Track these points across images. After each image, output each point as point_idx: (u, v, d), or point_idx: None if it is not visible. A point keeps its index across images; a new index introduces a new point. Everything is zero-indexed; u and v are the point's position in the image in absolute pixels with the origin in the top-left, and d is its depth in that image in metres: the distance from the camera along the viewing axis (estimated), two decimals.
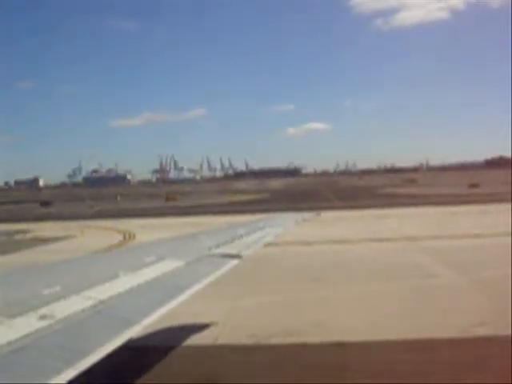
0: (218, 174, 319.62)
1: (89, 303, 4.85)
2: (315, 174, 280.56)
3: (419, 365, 10.09)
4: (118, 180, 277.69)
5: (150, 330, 10.10)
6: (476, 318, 12.63)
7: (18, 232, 40.90)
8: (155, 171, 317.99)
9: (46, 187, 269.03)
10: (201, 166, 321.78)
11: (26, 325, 4.12)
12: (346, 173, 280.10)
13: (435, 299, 15.06)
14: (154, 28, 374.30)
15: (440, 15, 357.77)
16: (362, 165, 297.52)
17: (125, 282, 5.66)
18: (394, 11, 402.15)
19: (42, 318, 4.32)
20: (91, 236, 36.77)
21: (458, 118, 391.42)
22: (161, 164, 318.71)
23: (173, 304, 5.31)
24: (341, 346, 11.41)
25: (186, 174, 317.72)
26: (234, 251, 7.90)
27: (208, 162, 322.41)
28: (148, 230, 36.91)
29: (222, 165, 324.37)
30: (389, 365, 10.25)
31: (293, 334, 12.26)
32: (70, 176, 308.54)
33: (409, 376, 9.56)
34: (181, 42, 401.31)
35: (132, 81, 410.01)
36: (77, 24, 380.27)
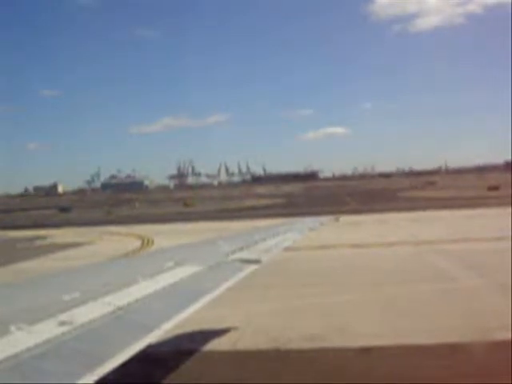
0: (236, 179, 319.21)
1: (108, 309, 4.83)
2: (334, 178, 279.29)
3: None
4: (136, 186, 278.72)
5: (168, 336, 10.09)
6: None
7: (37, 238, 41.29)
8: (173, 177, 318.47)
9: (65, 193, 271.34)
10: (218, 171, 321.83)
11: (46, 331, 4.11)
12: (364, 176, 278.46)
13: (458, 302, 15.02)
14: (173, 34, 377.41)
15: (458, 20, 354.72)
16: (381, 168, 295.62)
17: (144, 288, 5.64)
18: (411, 17, 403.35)
19: (62, 324, 4.31)
20: (110, 242, 36.97)
21: (477, 120, 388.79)
22: (178, 169, 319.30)
23: (192, 309, 5.27)
24: (361, 351, 11.32)
25: (203, 180, 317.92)
26: (252, 256, 7.84)
27: (226, 167, 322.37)
28: (166, 235, 37.01)
29: (240, 170, 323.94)
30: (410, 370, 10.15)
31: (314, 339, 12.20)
32: (88, 182, 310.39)
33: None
34: (200, 48, 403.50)
35: (152, 86, 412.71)
36: (98, 32, 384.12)
